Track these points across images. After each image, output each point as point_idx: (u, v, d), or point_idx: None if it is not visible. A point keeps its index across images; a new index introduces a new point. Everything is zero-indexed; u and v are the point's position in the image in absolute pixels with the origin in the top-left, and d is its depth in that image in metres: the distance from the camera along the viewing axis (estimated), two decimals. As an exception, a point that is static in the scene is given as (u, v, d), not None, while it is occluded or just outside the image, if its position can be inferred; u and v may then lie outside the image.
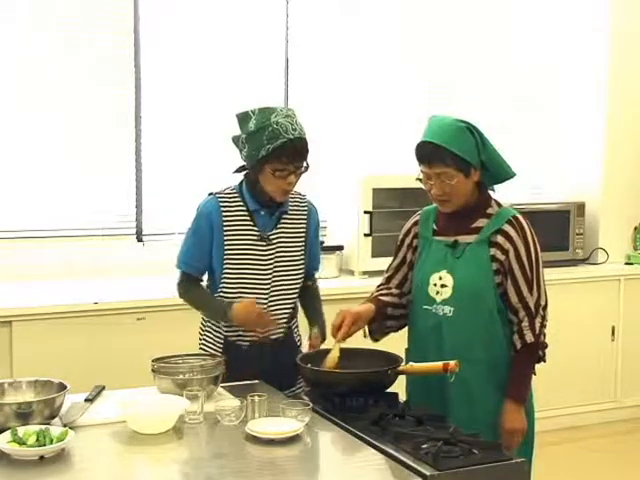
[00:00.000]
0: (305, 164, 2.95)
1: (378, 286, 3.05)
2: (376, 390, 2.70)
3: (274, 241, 3.02)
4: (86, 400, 2.63)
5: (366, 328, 2.92)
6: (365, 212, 5.01)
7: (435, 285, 2.83)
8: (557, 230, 5.59)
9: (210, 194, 3.06)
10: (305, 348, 3.09)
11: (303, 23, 5.24)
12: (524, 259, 2.76)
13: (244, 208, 3.01)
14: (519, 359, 2.77)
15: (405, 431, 2.42)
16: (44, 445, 2.23)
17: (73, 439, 2.28)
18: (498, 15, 5.77)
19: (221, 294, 3.01)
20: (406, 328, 3.00)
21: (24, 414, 2.36)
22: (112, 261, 4.72)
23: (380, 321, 2.94)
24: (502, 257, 2.77)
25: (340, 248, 5.08)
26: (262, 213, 3.02)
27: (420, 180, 2.84)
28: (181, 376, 2.73)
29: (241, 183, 3.06)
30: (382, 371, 2.70)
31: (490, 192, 2.91)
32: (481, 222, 2.81)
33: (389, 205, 5.10)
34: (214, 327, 3.07)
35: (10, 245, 4.59)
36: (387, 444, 2.35)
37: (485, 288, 2.77)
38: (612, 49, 5.73)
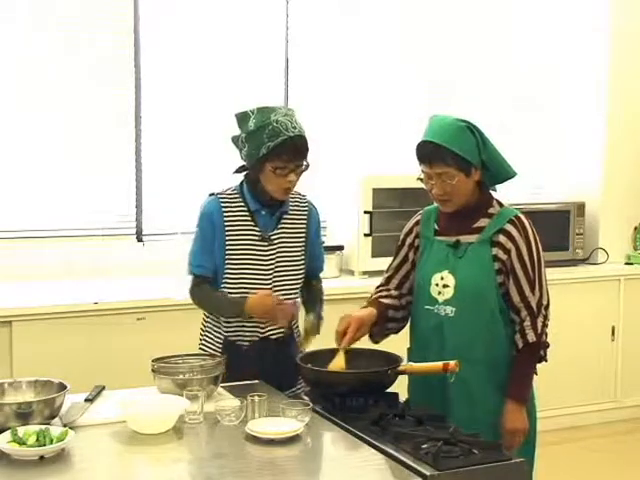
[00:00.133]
0: (305, 162, 2.95)
1: (377, 287, 3.04)
2: (376, 390, 2.69)
3: (275, 241, 3.02)
4: (86, 400, 2.63)
5: (367, 331, 2.92)
6: (365, 212, 5.00)
7: (437, 285, 2.82)
8: (557, 230, 5.59)
9: (211, 194, 3.06)
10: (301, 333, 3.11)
11: (303, 23, 5.24)
12: (526, 259, 2.76)
13: (245, 208, 3.01)
14: (521, 359, 2.77)
15: (405, 431, 2.42)
16: (44, 445, 2.23)
17: (73, 439, 2.28)
18: (498, 15, 5.77)
19: (222, 294, 3.02)
20: (406, 328, 3.00)
21: (24, 414, 2.36)
22: (112, 261, 4.71)
23: (381, 324, 2.93)
24: (504, 257, 2.77)
25: (340, 248, 5.08)
26: (263, 213, 3.02)
27: (421, 180, 2.84)
28: (181, 376, 2.73)
29: (242, 183, 3.06)
30: (382, 371, 2.69)
31: (492, 192, 2.91)
32: (483, 222, 2.81)
33: (389, 205, 5.10)
34: (214, 327, 3.07)
35: (10, 245, 4.59)
36: (387, 444, 2.35)
37: (487, 288, 2.77)
38: (612, 49, 5.73)
